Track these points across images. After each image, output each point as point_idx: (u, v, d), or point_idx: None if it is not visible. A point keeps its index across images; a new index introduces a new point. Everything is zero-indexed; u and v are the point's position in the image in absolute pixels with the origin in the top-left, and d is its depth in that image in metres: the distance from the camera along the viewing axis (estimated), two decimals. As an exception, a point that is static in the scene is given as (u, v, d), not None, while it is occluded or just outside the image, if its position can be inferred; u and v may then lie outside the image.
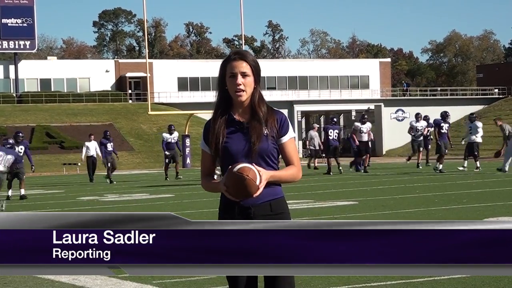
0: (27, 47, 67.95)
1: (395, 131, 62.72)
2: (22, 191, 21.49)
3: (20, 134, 24.26)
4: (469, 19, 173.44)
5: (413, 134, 29.40)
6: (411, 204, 15.05)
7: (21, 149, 23.33)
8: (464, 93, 78.19)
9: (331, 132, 28.56)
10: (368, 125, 28.99)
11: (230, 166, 4.09)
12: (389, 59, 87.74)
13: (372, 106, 68.69)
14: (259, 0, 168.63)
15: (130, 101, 69.45)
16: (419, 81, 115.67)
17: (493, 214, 12.42)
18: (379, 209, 14.31)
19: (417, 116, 29.77)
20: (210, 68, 71.89)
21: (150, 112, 46.32)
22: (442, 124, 26.72)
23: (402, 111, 66.55)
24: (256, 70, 4.26)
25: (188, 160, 41.66)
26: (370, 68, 77.39)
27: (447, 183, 21.05)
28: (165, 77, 70.86)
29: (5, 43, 66.48)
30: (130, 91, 70.54)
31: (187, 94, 69.97)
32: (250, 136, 4.19)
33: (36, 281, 8.15)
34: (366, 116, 30.07)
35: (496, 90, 74.58)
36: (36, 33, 68.79)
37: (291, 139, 4.27)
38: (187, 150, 40.80)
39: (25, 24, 66.85)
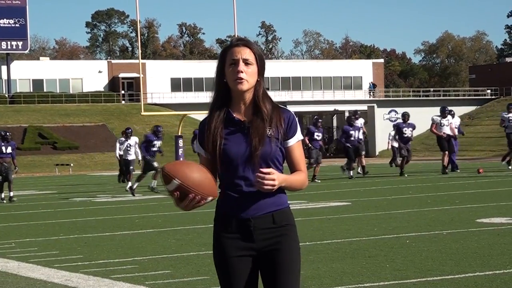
0: (20, 47, 67.77)
1: (388, 132, 62.62)
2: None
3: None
4: (461, 20, 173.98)
5: (504, 126, 25.18)
6: (404, 205, 15.05)
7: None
8: (456, 94, 78.29)
9: (405, 130, 25.78)
10: (449, 120, 24.98)
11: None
12: (382, 60, 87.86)
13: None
14: (252, 1, 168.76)
15: (123, 102, 69.37)
16: (412, 82, 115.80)
17: (486, 215, 12.43)
18: (372, 210, 14.30)
19: (509, 107, 25.34)
20: (203, 68, 71.82)
21: (143, 113, 46.24)
22: None
23: (395, 112, 66.51)
24: (260, 59, 3.71)
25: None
26: (363, 69, 77.45)
27: (440, 183, 21.06)
28: (158, 78, 70.79)
29: (-3, 44, 66.36)
30: (123, 92, 70.46)
31: (180, 95, 69.90)
32: (251, 138, 3.65)
33: (28, 281, 8.12)
34: (447, 109, 25.38)
35: (489, 91, 74.67)
36: (29, 34, 68.63)
37: (298, 142, 3.73)
38: (180, 151, 40.69)
39: (17, 25, 66.68)
